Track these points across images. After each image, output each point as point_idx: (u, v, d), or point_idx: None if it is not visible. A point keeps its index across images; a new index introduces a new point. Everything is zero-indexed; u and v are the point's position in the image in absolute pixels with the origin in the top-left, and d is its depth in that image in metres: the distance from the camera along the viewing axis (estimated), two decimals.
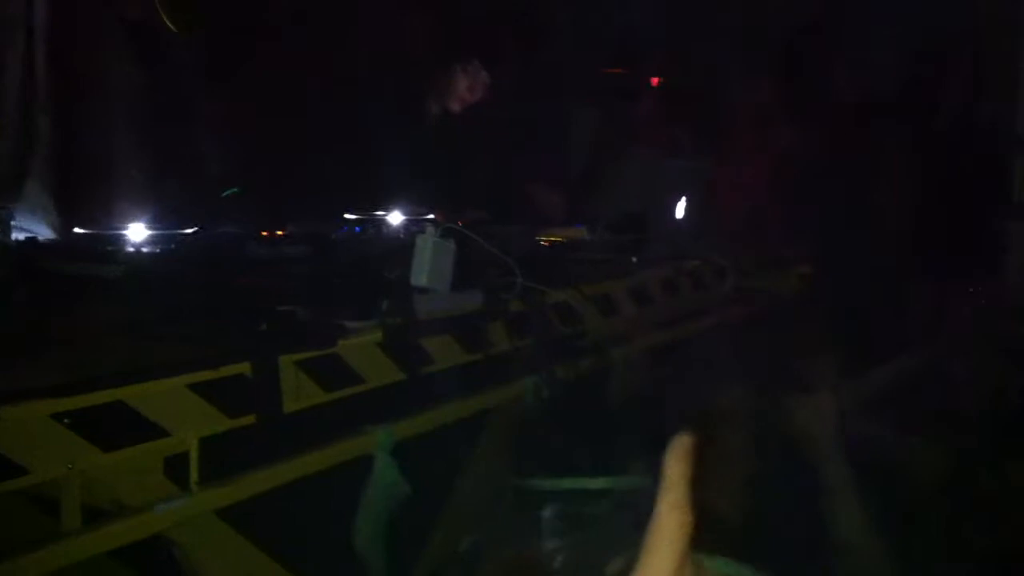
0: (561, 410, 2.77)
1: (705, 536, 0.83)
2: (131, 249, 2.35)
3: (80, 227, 2.54)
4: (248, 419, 1.97)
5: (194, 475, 1.87)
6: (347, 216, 3.01)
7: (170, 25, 3.36)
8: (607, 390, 3.08)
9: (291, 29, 4.42)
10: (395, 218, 2.99)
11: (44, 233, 2.50)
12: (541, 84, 5.03)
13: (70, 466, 1.67)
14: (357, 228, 2.95)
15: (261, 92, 4.28)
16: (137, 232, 2.40)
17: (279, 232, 2.69)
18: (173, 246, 2.39)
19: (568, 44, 5.36)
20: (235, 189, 3.57)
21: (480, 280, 2.62)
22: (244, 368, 1.95)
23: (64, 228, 2.59)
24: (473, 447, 2.74)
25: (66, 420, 1.64)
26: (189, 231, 2.49)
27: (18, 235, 2.30)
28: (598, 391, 3.05)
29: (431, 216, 2.90)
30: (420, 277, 2.42)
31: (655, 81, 5.90)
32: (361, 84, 4.17)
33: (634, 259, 3.52)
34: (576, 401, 2.87)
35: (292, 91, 4.23)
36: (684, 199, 3.75)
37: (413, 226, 2.68)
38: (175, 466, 1.87)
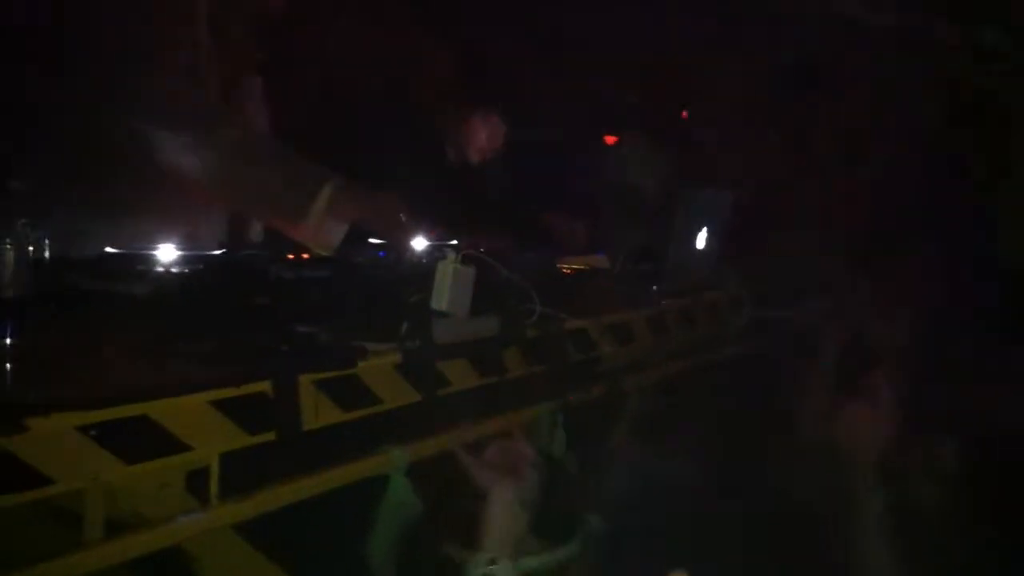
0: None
1: None
2: (160, 269, 2.40)
3: (112, 246, 2.59)
4: (268, 436, 2.02)
5: (214, 489, 1.93)
6: (371, 240, 3.06)
7: None
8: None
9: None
10: (418, 244, 3.03)
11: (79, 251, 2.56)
12: (566, 114, 5.09)
13: (94, 478, 1.72)
14: (380, 253, 2.99)
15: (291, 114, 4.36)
16: (166, 252, 2.46)
17: (304, 255, 2.74)
18: (201, 267, 2.45)
19: (594, 75, 5.42)
20: None
21: (499, 306, 2.67)
22: (265, 387, 2.00)
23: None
24: None
25: (92, 432, 1.69)
26: (216, 252, 2.55)
27: (49, 253, 2.37)
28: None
29: (454, 243, 2.95)
30: (440, 302, 2.46)
31: (684, 114, 5.96)
32: (384, 110, 4.23)
33: (654, 288, 3.56)
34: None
35: (317, 115, 4.30)
36: (706, 230, 3.77)
37: (436, 252, 2.72)
38: (196, 480, 1.93)
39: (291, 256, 2.70)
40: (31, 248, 2.36)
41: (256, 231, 3.17)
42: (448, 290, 2.47)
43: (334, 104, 4.34)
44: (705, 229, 3.74)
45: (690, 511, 3.11)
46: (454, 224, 3.42)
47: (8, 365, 1.90)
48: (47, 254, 2.36)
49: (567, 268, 3.66)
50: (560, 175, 4.78)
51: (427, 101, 4.29)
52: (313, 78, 4.29)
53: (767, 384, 3.47)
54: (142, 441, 1.79)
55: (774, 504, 3.17)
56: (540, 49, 5.13)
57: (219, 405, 1.92)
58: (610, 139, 5.64)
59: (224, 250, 2.60)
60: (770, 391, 3.42)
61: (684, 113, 5.97)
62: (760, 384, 3.47)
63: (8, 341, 1.95)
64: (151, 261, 2.40)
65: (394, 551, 2.26)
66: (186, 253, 2.44)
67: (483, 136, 4.06)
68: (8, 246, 2.05)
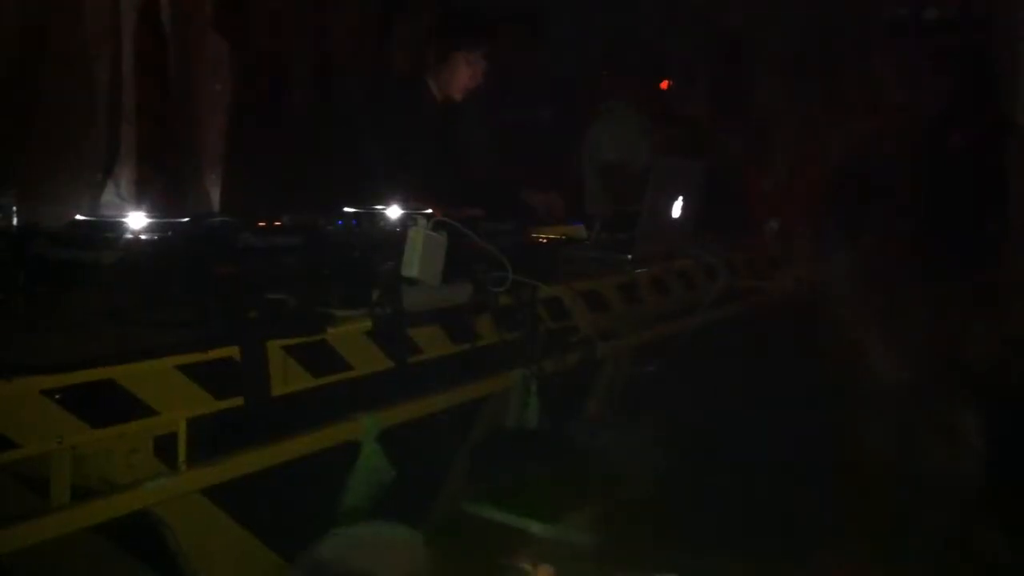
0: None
1: None
2: (128, 236, 2.39)
3: (81, 214, 2.58)
4: (236, 401, 2.02)
5: (182, 454, 1.93)
6: (344, 209, 3.05)
7: None
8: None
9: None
10: (392, 212, 3.03)
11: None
12: (543, 82, 5.09)
13: (59, 441, 1.72)
14: (353, 221, 2.99)
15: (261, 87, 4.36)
16: (135, 220, 2.45)
17: (276, 223, 2.74)
18: (170, 234, 2.44)
19: (572, 43, 5.43)
20: None
21: (471, 273, 2.67)
22: (233, 351, 2.00)
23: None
24: (460, 438, 2.79)
25: (57, 396, 1.69)
26: (185, 219, 2.54)
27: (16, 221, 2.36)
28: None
29: (428, 211, 2.94)
30: (411, 269, 2.46)
31: (664, 84, 5.97)
32: (360, 78, 4.23)
33: (629, 257, 3.57)
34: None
35: (289, 83, 4.30)
36: (680, 199, 3.79)
37: (409, 220, 2.72)
38: (164, 445, 1.93)
39: (263, 224, 2.69)
40: None
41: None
42: (419, 257, 2.46)
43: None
44: (680, 198, 3.75)
45: (666, 479, 3.14)
46: (429, 178, 3.42)
47: None
48: (15, 221, 2.36)
49: (543, 237, 3.66)
50: (538, 144, 4.79)
51: (406, 42, 4.27)
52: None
53: (741, 352, 3.49)
54: (108, 405, 1.79)
55: (751, 471, 3.20)
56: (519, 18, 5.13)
57: (186, 370, 1.91)
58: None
59: (193, 218, 2.58)
60: (744, 359, 3.45)
61: (664, 84, 5.98)
62: (734, 352, 3.50)
63: None
64: (120, 228, 2.38)
65: (364, 518, 2.27)
66: (155, 221, 2.42)
67: (466, 75, 4.03)
68: None
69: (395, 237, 2.59)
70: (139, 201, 2.56)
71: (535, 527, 1.88)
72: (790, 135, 5.51)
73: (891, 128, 5.40)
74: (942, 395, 3.58)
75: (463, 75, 4.03)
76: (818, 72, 5.71)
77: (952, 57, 5.48)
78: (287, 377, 2.12)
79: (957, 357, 3.75)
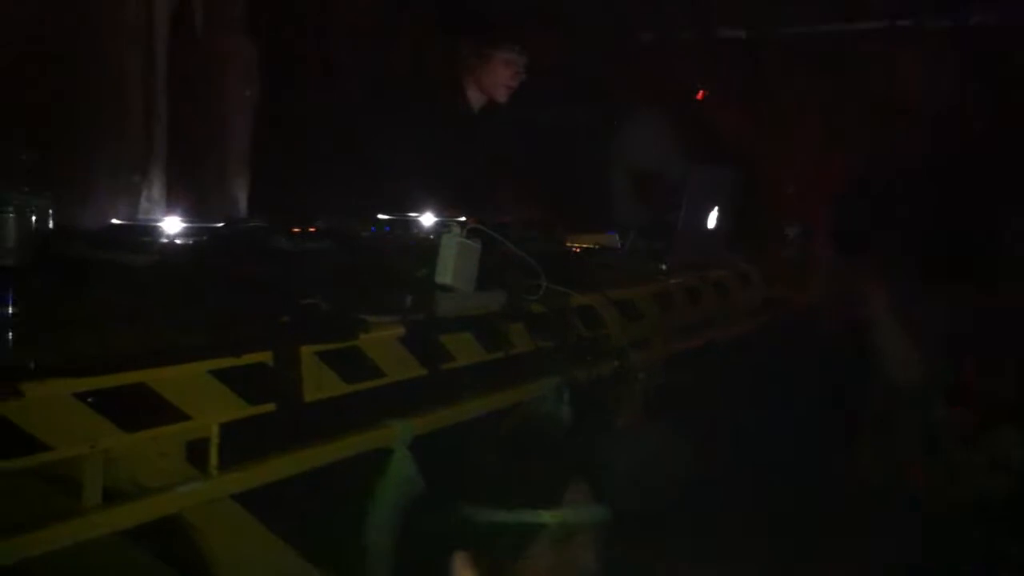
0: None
1: None
2: (164, 240, 2.40)
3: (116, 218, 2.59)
4: (269, 407, 2.01)
5: (214, 459, 1.92)
6: (379, 216, 3.06)
7: None
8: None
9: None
10: (427, 219, 3.03)
11: None
12: (578, 90, 5.08)
13: (92, 445, 1.72)
14: (387, 228, 2.99)
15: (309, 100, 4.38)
16: (171, 224, 2.46)
17: (311, 228, 2.74)
18: (204, 238, 2.45)
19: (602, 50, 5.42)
20: None
21: (504, 281, 2.66)
22: (265, 357, 1.99)
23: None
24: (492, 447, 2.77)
25: (89, 399, 1.68)
26: (220, 224, 2.54)
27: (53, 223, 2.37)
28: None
29: (463, 219, 2.94)
30: (444, 276, 2.46)
31: (700, 94, 5.95)
32: (395, 83, 4.23)
33: (663, 267, 3.55)
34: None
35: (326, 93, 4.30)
36: (717, 208, 3.76)
37: (443, 227, 2.71)
38: (196, 450, 1.92)
39: (297, 229, 2.69)
40: (34, 217, 2.36)
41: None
42: (453, 264, 2.46)
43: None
44: (715, 207, 3.72)
45: (697, 490, 3.11)
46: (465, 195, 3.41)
47: (6, 332, 1.89)
48: (51, 224, 2.36)
49: (576, 246, 3.65)
50: (572, 152, 4.77)
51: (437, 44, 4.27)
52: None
53: (775, 362, 3.46)
54: (140, 409, 1.78)
55: (782, 484, 3.17)
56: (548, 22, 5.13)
57: (219, 375, 1.90)
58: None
59: (228, 222, 2.59)
60: (778, 368, 3.42)
61: (700, 94, 5.96)
62: (768, 362, 3.47)
63: (9, 310, 1.94)
64: (155, 232, 2.39)
65: (395, 524, 2.26)
66: (190, 225, 2.43)
67: (505, 74, 4.00)
68: (11, 214, 2.04)
69: (429, 244, 2.58)
70: (169, 205, 2.56)
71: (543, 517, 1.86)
72: (813, 141, 5.47)
73: (911, 132, 5.35)
74: (972, 412, 3.53)
75: (503, 75, 4.00)
76: (839, 76, 5.68)
77: (969, 58, 5.42)
78: (320, 382, 2.11)
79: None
